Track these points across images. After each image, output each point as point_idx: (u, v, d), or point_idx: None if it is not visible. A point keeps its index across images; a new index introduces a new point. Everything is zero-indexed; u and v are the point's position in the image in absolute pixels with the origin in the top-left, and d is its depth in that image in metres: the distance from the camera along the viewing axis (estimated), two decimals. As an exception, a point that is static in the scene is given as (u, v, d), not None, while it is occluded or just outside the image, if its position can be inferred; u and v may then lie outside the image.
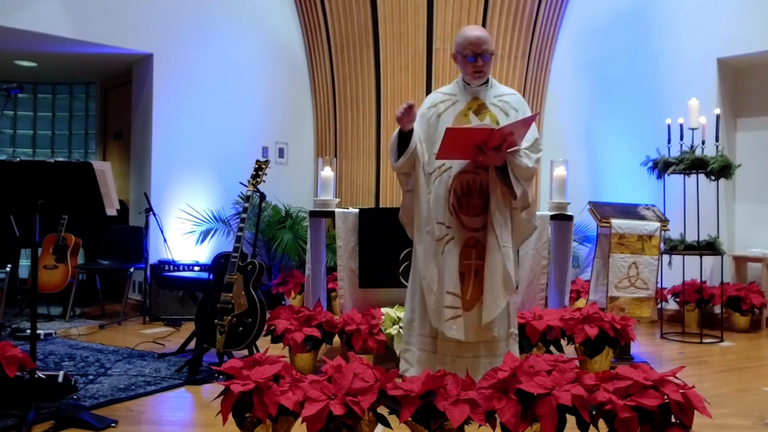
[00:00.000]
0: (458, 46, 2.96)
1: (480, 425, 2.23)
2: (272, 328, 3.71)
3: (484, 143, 2.71)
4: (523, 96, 6.42)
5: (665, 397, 2.20)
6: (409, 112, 2.82)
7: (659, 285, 4.66)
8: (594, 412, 2.22)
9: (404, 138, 2.92)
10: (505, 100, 2.98)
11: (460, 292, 2.85)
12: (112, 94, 7.01)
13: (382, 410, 2.33)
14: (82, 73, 6.98)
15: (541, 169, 6.61)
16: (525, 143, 2.84)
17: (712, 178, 4.86)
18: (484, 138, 2.70)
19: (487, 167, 2.85)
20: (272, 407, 2.26)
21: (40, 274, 5.36)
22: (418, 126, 2.97)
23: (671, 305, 5.55)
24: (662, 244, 4.55)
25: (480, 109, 2.97)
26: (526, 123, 2.76)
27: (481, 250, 2.86)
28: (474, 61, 2.91)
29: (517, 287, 3.56)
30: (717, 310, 5.26)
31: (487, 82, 3.01)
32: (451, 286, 2.86)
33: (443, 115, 2.99)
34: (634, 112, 6.04)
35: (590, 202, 4.55)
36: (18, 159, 4.63)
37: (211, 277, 3.88)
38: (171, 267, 5.42)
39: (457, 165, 2.89)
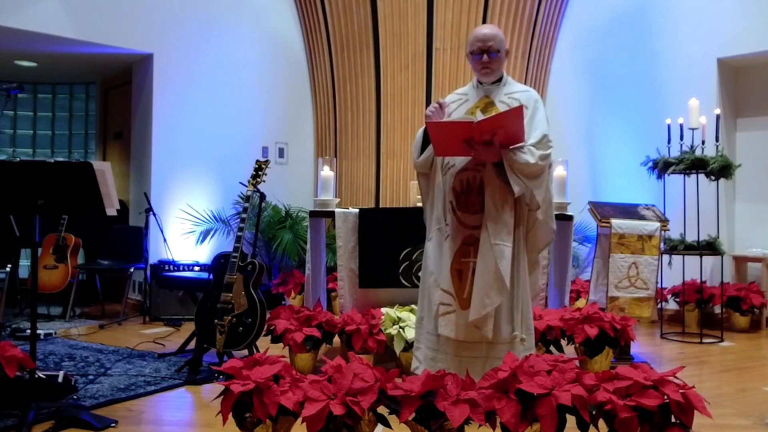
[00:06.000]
0: (468, 44, 2.98)
1: (480, 425, 2.23)
2: (272, 328, 3.71)
3: (472, 138, 2.65)
4: (523, 96, 6.49)
5: (665, 397, 2.20)
6: (439, 112, 2.86)
7: (659, 285, 4.66)
8: (594, 412, 2.22)
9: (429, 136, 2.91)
10: (515, 97, 2.92)
11: (454, 290, 2.83)
12: (112, 94, 7.00)
13: (382, 410, 2.32)
14: (82, 73, 6.98)
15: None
16: (531, 139, 2.77)
17: (712, 178, 4.86)
18: (468, 131, 2.64)
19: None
20: (272, 407, 2.26)
21: (40, 274, 5.36)
22: None
23: (671, 305, 5.55)
24: (662, 244, 4.55)
25: (487, 107, 2.94)
26: (515, 114, 2.63)
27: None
28: (480, 58, 2.91)
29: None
30: (717, 310, 5.26)
31: (500, 80, 2.99)
32: (445, 283, 2.85)
33: (453, 114, 2.98)
34: (634, 112, 6.04)
35: (590, 202, 4.55)
36: (18, 159, 4.63)
37: (211, 277, 3.88)
38: (171, 267, 5.42)
39: (459, 163, 2.88)
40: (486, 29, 2.94)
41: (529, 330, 2.91)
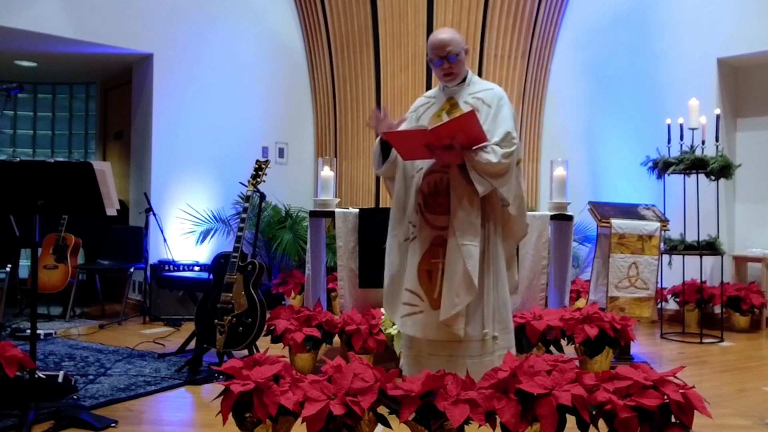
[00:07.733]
0: (428, 51, 2.98)
1: (480, 425, 2.23)
2: (272, 328, 3.72)
3: (431, 143, 2.66)
4: (523, 96, 6.51)
5: (665, 397, 2.20)
6: (382, 120, 2.82)
7: (659, 285, 4.66)
8: (594, 412, 2.22)
9: (387, 144, 2.92)
10: (478, 96, 2.92)
11: (424, 291, 2.82)
12: (112, 94, 7.00)
13: (382, 410, 2.33)
14: (82, 73, 6.98)
15: (541, 169, 6.62)
16: (495, 137, 2.76)
17: (712, 178, 4.86)
18: (425, 138, 2.66)
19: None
20: (272, 407, 2.26)
21: (40, 274, 5.36)
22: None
23: (671, 305, 5.55)
24: (662, 244, 4.55)
25: (452, 108, 2.95)
26: (466, 119, 2.62)
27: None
28: (441, 64, 2.91)
29: (517, 288, 3.49)
30: (717, 310, 5.25)
31: (464, 81, 2.99)
32: (411, 283, 2.84)
33: (421, 119, 3.01)
34: (634, 112, 6.04)
35: (590, 202, 4.54)
36: (18, 159, 4.63)
37: (211, 277, 3.88)
38: (171, 267, 5.42)
39: (427, 165, 2.88)
40: (442, 34, 2.92)
41: (505, 328, 2.89)
